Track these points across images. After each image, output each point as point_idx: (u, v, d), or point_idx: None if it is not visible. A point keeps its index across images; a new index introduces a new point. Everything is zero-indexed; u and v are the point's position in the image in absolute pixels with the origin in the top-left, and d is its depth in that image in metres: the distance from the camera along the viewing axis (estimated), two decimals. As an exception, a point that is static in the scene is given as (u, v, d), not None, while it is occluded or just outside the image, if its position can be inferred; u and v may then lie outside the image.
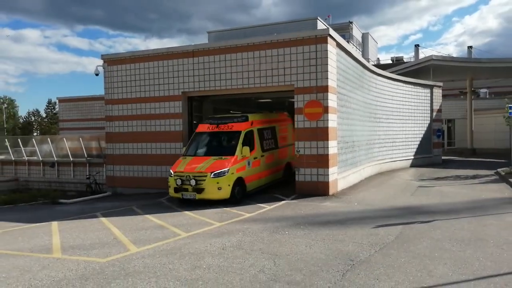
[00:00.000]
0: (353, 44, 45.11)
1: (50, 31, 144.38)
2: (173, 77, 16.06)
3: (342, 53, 15.11)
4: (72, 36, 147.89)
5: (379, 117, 20.38)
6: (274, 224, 9.37)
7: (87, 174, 18.62)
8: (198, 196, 12.26)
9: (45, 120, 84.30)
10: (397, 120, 22.21)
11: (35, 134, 73.74)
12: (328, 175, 13.29)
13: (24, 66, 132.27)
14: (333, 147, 13.70)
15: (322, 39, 13.46)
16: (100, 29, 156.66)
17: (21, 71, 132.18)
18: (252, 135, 13.86)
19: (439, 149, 25.65)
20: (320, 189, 13.29)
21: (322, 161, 13.34)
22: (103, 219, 10.74)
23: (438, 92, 25.29)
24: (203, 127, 14.22)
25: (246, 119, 13.86)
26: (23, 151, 21.21)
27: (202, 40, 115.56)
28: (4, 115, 73.88)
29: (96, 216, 11.25)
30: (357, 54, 17.72)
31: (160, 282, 5.60)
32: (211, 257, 6.84)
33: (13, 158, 21.35)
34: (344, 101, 15.22)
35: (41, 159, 20.33)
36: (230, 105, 20.94)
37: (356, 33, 50.85)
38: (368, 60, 35.54)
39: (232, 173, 12.49)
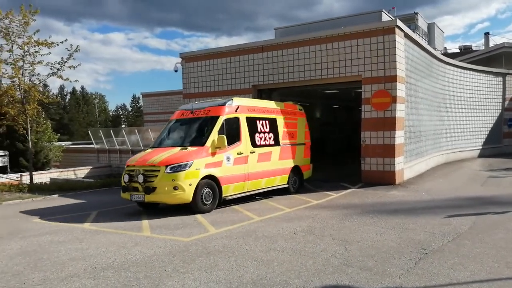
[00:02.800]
0: (418, 35, 42.64)
1: (133, 34, 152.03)
2: (244, 72, 16.20)
3: (410, 43, 14.31)
4: (151, 37, 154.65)
5: (447, 107, 19.13)
6: (342, 211, 9.17)
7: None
8: (147, 198, 9.09)
9: (131, 113, 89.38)
10: (466, 109, 20.72)
11: (123, 126, 78.53)
12: (394, 164, 12.73)
13: (111, 66, 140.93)
14: (400, 137, 13.08)
15: (390, 30, 12.84)
16: (175, 30, 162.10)
17: (109, 70, 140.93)
18: (237, 124, 10.45)
19: (510, 139, 23.59)
20: (386, 179, 12.77)
21: (389, 150, 12.79)
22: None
23: (511, 81, 23.19)
24: (177, 114, 11.24)
25: (230, 103, 10.52)
26: (115, 141, 22.65)
27: (268, 36, 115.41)
28: (97, 110, 79.42)
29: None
30: (425, 44, 16.73)
31: (239, 261, 5.70)
32: (284, 240, 6.83)
33: (107, 147, 22.90)
34: (412, 90, 14.45)
35: (130, 147, 21.61)
36: (297, 97, 20.73)
37: (422, 23, 47.95)
38: (435, 49, 33.39)
39: (197, 169, 9.17)
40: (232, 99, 10.70)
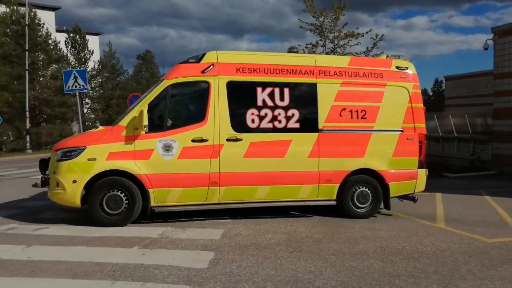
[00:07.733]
0: None
1: (436, 15, 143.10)
2: None
3: None
4: (457, 16, 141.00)
5: None
6: None
7: (471, 150, 17.41)
8: (48, 194, 6.87)
9: (432, 98, 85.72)
10: None
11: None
12: None
13: (412, 51, 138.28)
14: None
15: None
16: (487, 3, 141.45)
17: (410, 56, 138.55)
18: (203, 93, 6.87)
19: None
20: None
21: None
22: (488, 198, 9.73)
23: None
24: None
25: (194, 60, 7.00)
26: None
27: None
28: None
29: (480, 194, 10.31)
30: None
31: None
32: None
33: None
34: None
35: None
36: None
37: None
38: None
39: (91, 159, 6.38)
40: (205, 54, 7.03)
